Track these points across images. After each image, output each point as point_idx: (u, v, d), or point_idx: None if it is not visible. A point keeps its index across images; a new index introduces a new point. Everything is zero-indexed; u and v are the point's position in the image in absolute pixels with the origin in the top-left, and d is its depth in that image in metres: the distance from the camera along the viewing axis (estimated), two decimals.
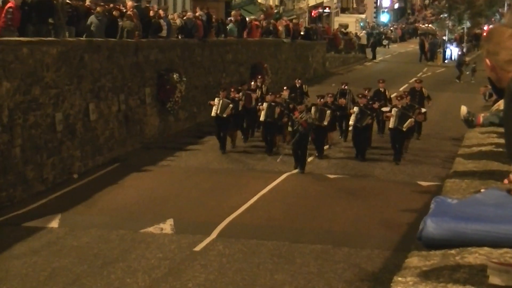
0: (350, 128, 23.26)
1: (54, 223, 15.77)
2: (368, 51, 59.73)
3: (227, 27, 33.55)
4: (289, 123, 21.09)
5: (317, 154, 22.15)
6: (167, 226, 15.54)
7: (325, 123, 21.78)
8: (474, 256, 3.30)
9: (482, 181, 5.23)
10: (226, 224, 15.73)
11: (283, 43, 40.54)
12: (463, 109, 7.87)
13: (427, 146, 24.28)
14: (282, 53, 40.56)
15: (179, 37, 28.36)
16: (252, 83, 26.62)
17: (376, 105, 23.15)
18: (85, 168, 20.61)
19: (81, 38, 21.37)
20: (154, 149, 23.80)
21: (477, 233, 3.35)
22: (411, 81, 43.78)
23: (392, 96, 25.72)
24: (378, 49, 61.42)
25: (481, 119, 7.66)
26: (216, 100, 22.54)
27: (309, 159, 21.29)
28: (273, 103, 22.31)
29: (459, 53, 52.37)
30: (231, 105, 22.37)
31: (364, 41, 59.42)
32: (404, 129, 21.19)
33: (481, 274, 3.07)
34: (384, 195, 18.35)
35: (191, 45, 28.53)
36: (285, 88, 25.83)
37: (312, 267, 13.40)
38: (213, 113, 22.55)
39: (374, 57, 59.59)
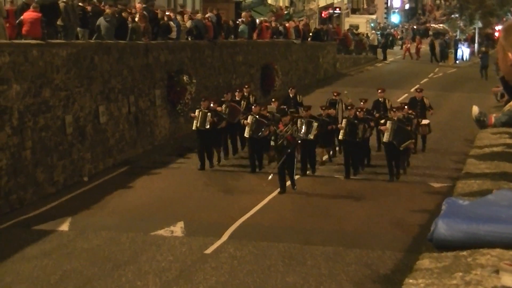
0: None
1: (65, 226, 15.81)
2: (379, 51, 59.63)
3: (238, 28, 33.57)
4: (272, 137, 18.86)
5: (308, 172, 20.27)
6: (178, 229, 15.55)
7: (311, 136, 19.72)
8: (486, 258, 3.28)
9: (494, 182, 5.21)
10: (237, 226, 15.73)
11: (293, 44, 40.51)
12: (475, 109, 7.83)
13: (438, 147, 24.18)
14: (293, 54, 40.53)
15: (189, 38, 28.39)
16: (237, 92, 23.63)
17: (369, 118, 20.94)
18: (96, 170, 20.66)
19: (91, 40, 21.43)
20: (164, 151, 23.83)
21: (489, 234, 3.34)
22: (422, 81, 43.82)
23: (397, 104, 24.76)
24: (388, 50, 61.30)
25: (493, 120, 7.62)
26: (197, 111, 20.83)
27: (296, 176, 19.07)
28: (258, 116, 20.33)
29: (480, 55, 51.55)
30: (209, 114, 20.49)
31: (374, 41, 59.32)
32: (401, 149, 19.42)
33: (493, 276, 3.05)
34: (395, 196, 18.32)
35: (201, 47, 28.56)
36: (273, 100, 23.80)
37: (323, 269, 13.37)
38: (193, 127, 20.84)
39: (385, 58, 59.46)
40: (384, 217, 16.47)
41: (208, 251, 14.24)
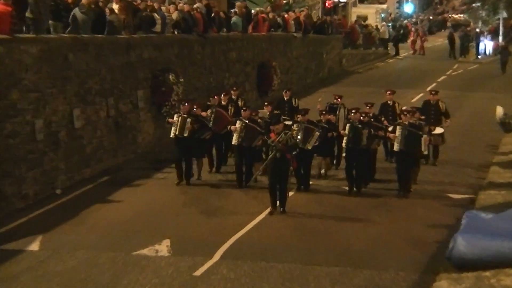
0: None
1: (35, 245, 15.75)
2: (391, 46, 59.75)
3: (232, 21, 33.54)
4: (263, 148, 18.75)
5: (302, 186, 19.80)
6: (164, 247, 15.51)
7: (309, 146, 19.35)
8: None
9: None
10: (231, 244, 15.68)
11: (293, 39, 40.56)
12: (499, 111, 7.85)
13: (458, 153, 24.19)
14: (293, 50, 40.58)
15: (176, 32, 28.40)
16: (223, 96, 22.96)
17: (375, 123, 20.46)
18: (70, 182, 20.61)
19: (65, 35, 21.41)
20: (148, 159, 23.80)
21: None
22: (440, 79, 43.90)
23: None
24: (401, 44, 61.45)
25: None
26: (176, 116, 20.48)
27: (290, 193, 18.79)
28: (248, 122, 19.99)
29: (499, 50, 51.90)
30: (189, 119, 20.13)
31: (385, 35, 59.41)
32: (425, 152, 19.14)
33: None
34: (410, 210, 18.30)
35: (189, 42, 28.57)
36: (265, 104, 22.92)
37: None
38: (171, 134, 20.41)
39: (397, 53, 59.57)
40: (397, 234, 16.44)
41: (198, 272, 14.18)
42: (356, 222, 17.27)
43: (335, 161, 22.13)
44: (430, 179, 21.07)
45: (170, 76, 25.44)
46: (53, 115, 19.96)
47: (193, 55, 28.81)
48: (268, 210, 18.00)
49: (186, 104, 20.78)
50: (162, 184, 20.80)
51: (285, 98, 24.36)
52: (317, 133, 19.42)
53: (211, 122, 21.21)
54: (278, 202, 17.94)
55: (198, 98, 25.82)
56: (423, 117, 20.98)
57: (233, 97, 23.55)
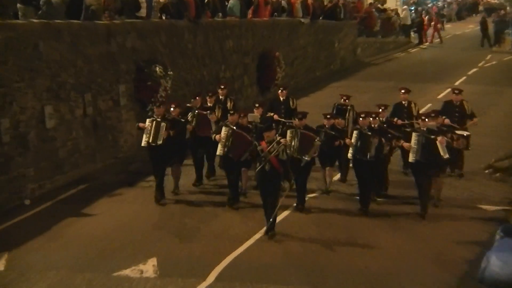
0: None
1: (0, 265, 15.74)
2: (413, 34, 59.82)
3: (228, 4, 33.55)
4: (251, 159, 18.30)
5: (295, 204, 19.36)
6: (149, 267, 15.52)
7: (308, 157, 18.84)
8: None
9: None
10: (228, 264, 15.69)
11: (300, 25, 40.58)
12: None
13: (491, 159, 24.14)
14: (300, 38, 40.60)
15: (164, 17, 28.40)
16: (208, 97, 22.27)
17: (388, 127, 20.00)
18: (41, 191, 20.63)
19: (35, 20, 21.42)
20: (131, 165, 23.81)
21: None
22: (470, 72, 43.91)
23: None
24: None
25: None
26: (148, 121, 19.92)
27: (286, 213, 18.72)
28: (235, 128, 19.42)
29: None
30: (163, 124, 19.64)
31: (407, 20, 59.41)
32: (445, 156, 18.18)
33: None
34: (434, 224, 18.26)
35: (179, 29, 28.58)
36: (256, 105, 21.96)
37: None
38: (143, 143, 19.91)
39: (420, 42, 59.60)
40: (420, 251, 16.45)
41: None
42: (371, 240, 17.27)
43: (342, 172, 21.80)
44: (459, 189, 21.04)
45: (157, 69, 25.42)
46: (21, 113, 19.97)
47: (184, 44, 28.81)
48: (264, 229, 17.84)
49: (161, 106, 20.33)
50: (147, 193, 20.77)
51: (281, 98, 23.58)
52: (318, 142, 18.91)
53: (191, 126, 20.87)
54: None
55: (189, 94, 25.71)
56: (446, 121, 20.66)
57: (220, 97, 22.94)
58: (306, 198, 19.55)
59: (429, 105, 30.76)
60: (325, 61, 44.69)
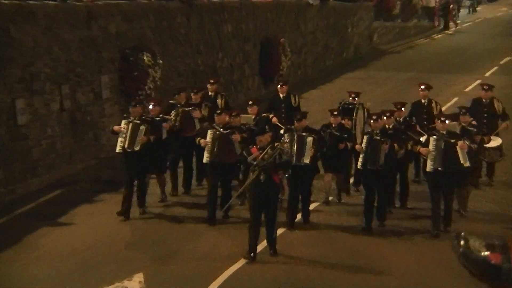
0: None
1: None
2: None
3: None
4: (241, 165, 17.94)
5: (288, 224, 18.68)
6: (135, 285, 15.50)
7: (306, 160, 18.44)
8: None
9: None
10: (226, 280, 15.68)
11: (308, 7, 40.60)
12: None
13: None
14: (308, 22, 40.62)
15: None
16: (194, 94, 21.88)
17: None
18: (12, 196, 20.63)
19: (5, 1, 21.39)
20: (115, 166, 23.77)
21: None
22: (503, 61, 43.89)
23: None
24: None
25: None
26: (123, 123, 19.53)
27: (279, 231, 17.84)
28: (224, 130, 19.05)
29: None
30: (142, 127, 19.25)
31: (430, 2, 59.41)
32: (466, 164, 17.73)
33: None
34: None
35: (170, 11, 28.60)
36: (250, 102, 21.35)
37: None
38: (118, 148, 19.60)
39: (446, 27, 59.58)
40: (443, 264, 16.43)
41: None
42: (387, 250, 17.30)
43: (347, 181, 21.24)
44: (487, 194, 20.96)
45: (145, 57, 25.45)
46: None
47: (175, 29, 28.83)
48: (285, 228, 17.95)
49: (137, 105, 19.85)
50: (133, 200, 20.75)
51: (281, 95, 23.08)
52: (310, 138, 18.45)
53: (171, 123, 20.55)
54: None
55: (181, 86, 25.66)
56: (473, 122, 20.09)
57: (210, 93, 22.62)
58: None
59: (455, 99, 30.82)
60: (336, 49, 44.71)
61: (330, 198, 20.57)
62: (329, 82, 37.38)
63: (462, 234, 16.78)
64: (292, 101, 22.91)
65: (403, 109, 20.67)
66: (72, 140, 23.22)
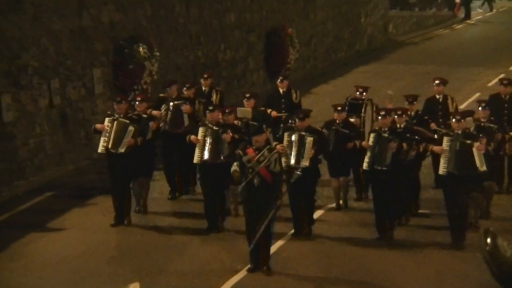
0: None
1: None
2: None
3: None
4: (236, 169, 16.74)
5: (297, 232, 18.48)
6: None
7: (305, 163, 18.04)
8: None
9: None
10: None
11: None
12: None
13: None
14: (317, 11, 40.65)
15: None
16: (185, 89, 21.63)
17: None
18: None
19: None
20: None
21: None
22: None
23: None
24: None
25: None
26: (107, 121, 19.13)
27: (280, 242, 17.88)
28: (218, 128, 18.68)
29: None
30: (131, 127, 18.89)
31: None
32: (482, 169, 17.13)
33: None
34: (472, 254, 18.01)
35: (168, 0, 28.67)
36: (247, 96, 21.16)
37: None
38: (100, 148, 19.18)
39: (467, 16, 59.59)
40: (466, 272, 16.42)
41: None
42: (397, 260, 17.26)
43: (356, 186, 20.93)
44: (506, 205, 20.91)
45: (140, 49, 25.49)
46: None
47: (173, 19, 28.86)
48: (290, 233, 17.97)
49: (123, 102, 19.49)
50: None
51: (281, 91, 22.86)
52: (309, 138, 18.03)
53: (167, 125, 20.47)
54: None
55: (179, 80, 25.59)
56: (492, 118, 19.80)
57: (204, 88, 22.48)
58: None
59: (477, 94, 30.84)
60: (349, 40, 44.72)
61: (341, 201, 20.31)
62: (340, 76, 37.37)
63: (491, 229, 16.64)
64: (293, 97, 22.69)
65: (415, 102, 20.30)
66: (62, 139, 23.26)
